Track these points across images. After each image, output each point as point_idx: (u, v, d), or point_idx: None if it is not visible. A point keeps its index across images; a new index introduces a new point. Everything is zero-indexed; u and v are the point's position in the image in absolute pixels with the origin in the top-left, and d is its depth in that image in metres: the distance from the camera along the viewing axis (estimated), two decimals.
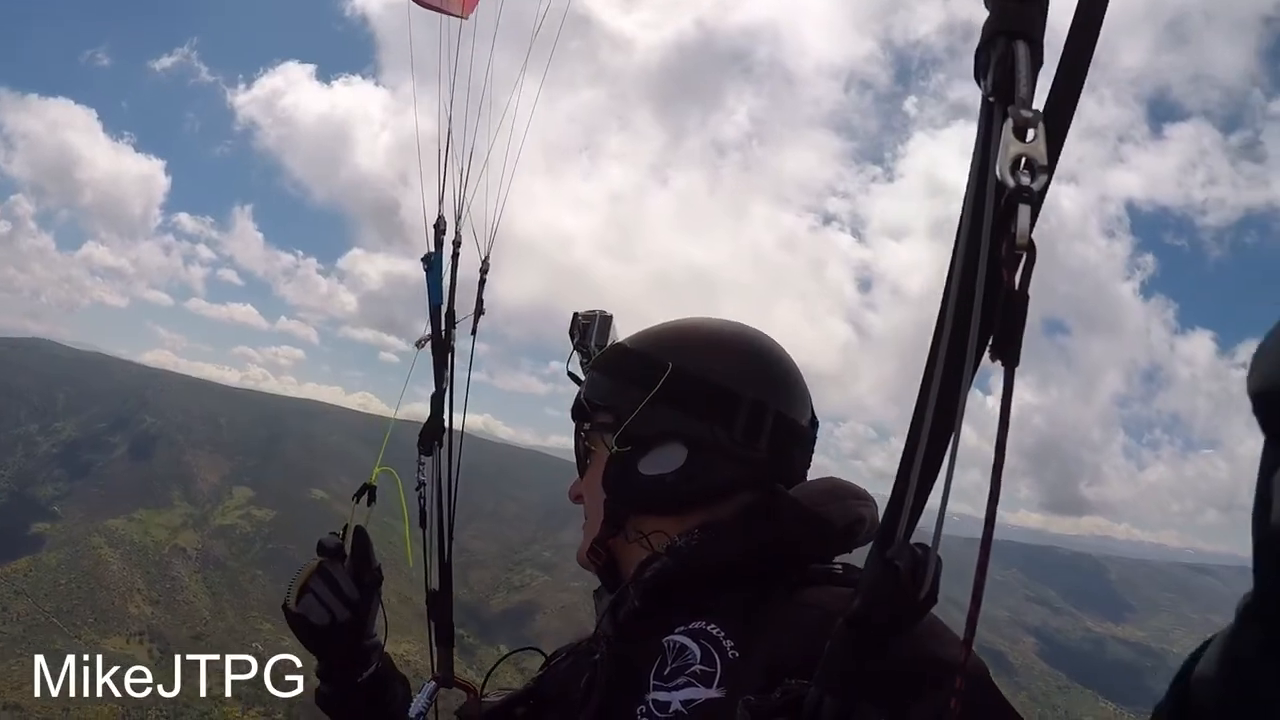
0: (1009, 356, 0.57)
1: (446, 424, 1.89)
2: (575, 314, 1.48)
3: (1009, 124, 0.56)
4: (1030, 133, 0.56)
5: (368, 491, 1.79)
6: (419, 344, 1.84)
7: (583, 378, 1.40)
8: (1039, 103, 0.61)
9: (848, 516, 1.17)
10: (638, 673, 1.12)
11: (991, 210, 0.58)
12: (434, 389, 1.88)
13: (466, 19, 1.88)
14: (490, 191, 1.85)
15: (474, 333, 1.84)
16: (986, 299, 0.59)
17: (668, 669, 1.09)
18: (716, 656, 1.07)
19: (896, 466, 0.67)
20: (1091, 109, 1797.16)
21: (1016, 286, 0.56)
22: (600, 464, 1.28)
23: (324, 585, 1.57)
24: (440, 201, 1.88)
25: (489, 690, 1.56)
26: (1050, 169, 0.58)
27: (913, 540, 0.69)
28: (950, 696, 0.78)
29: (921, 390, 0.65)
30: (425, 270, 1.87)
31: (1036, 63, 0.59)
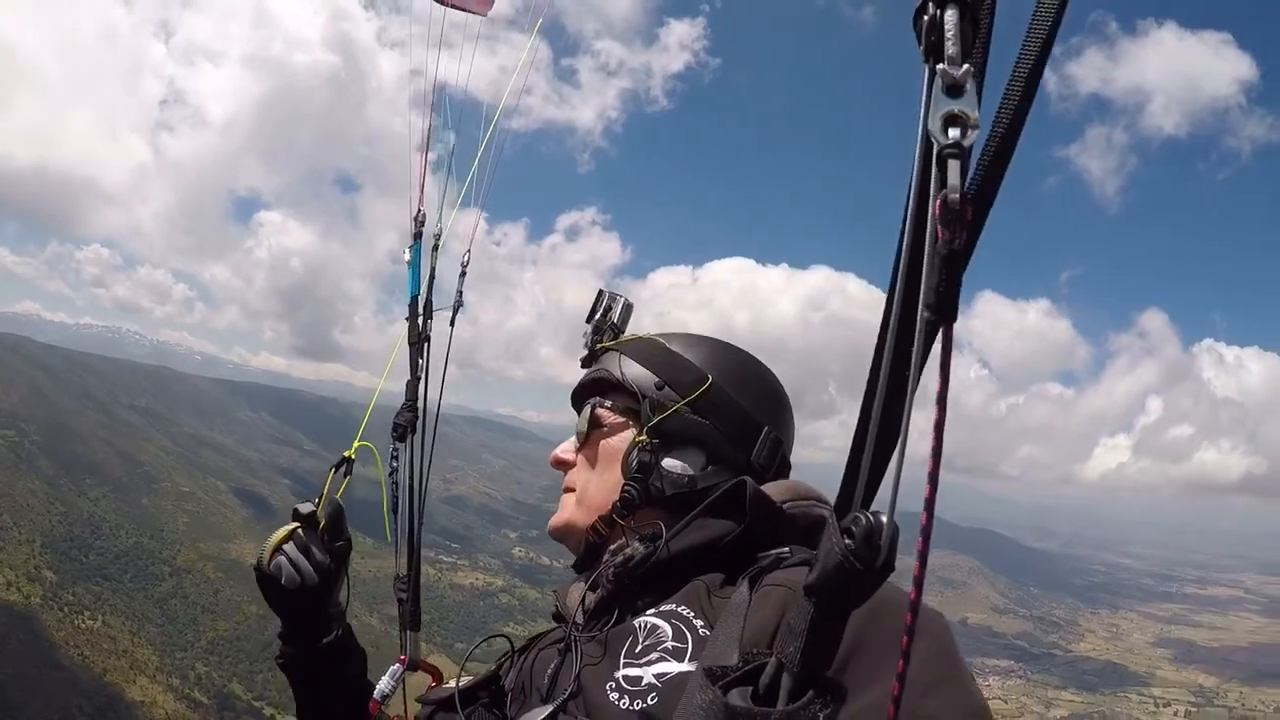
0: (943, 311, 0.56)
1: (421, 412, 1.93)
2: (602, 290, 1.49)
3: (939, 83, 0.57)
4: (963, 91, 0.57)
5: (346, 464, 1.81)
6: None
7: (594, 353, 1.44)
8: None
9: (809, 517, 1.24)
10: (606, 656, 1.13)
11: (935, 171, 0.57)
12: (409, 377, 1.92)
13: (486, 16, 1.90)
14: (471, 189, 1.93)
15: (452, 323, 1.93)
16: (918, 255, 0.59)
17: (639, 647, 1.11)
18: (688, 634, 1.09)
19: None
20: None
21: (952, 242, 0.55)
22: (617, 444, 1.35)
23: (296, 549, 1.60)
24: (420, 197, 1.92)
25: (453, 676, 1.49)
26: (1007, 128, 0.63)
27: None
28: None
29: (875, 355, 0.66)
30: (407, 265, 1.91)
31: (973, 25, 0.60)
